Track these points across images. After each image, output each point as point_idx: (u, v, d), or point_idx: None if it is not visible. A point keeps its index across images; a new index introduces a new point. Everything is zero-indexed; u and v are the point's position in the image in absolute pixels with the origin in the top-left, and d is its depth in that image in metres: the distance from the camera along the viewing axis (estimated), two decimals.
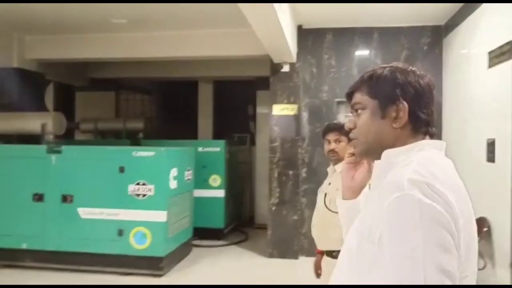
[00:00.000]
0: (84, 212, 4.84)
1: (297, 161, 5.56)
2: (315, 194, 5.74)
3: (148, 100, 9.05)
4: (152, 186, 4.72)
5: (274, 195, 5.61)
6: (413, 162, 0.99)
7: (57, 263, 4.87)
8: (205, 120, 8.77)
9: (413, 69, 1.11)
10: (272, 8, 3.30)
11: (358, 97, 1.12)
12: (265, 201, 7.61)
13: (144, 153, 4.76)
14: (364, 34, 5.48)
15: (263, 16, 3.44)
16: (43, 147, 4.99)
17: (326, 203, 2.48)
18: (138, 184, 4.74)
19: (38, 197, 4.90)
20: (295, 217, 5.55)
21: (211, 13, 5.07)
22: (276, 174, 5.59)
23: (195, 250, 5.82)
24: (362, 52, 5.50)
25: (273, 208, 5.58)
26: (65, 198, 4.86)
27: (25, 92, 6.23)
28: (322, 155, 5.46)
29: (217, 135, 8.62)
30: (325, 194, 2.50)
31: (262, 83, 7.60)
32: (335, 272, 1.10)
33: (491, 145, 3.71)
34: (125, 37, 6.07)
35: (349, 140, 2.56)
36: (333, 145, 2.50)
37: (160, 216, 4.73)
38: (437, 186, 0.92)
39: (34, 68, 6.50)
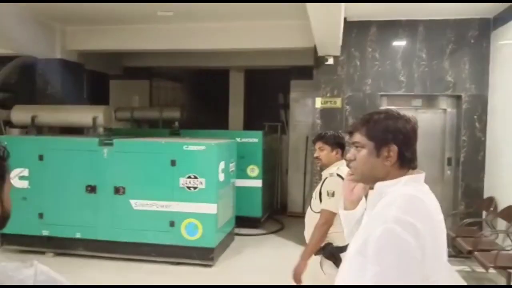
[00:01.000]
0: (136, 204, 4.96)
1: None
2: None
3: (179, 88, 9.10)
4: (203, 180, 4.82)
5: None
6: (397, 198, 1.27)
7: (109, 252, 5.03)
8: (236, 109, 8.83)
9: (402, 115, 1.37)
10: (339, 8, 3.31)
11: (358, 137, 1.37)
12: (298, 190, 7.74)
13: (195, 147, 4.84)
14: (409, 27, 5.44)
15: (328, 14, 3.45)
16: (95, 140, 5.08)
17: (312, 204, 2.78)
18: (189, 177, 4.84)
19: (91, 189, 5.03)
20: None
21: (251, 6, 5.06)
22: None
23: (236, 239, 5.95)
24: (407, 45, 5.46)
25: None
26: (117, 190, 4.98)
27: (67, 82, 6.32)
28: None
29: (247, 124, 8.69)
30: (311, 197, 2.81)
31: (297, 72, 7.66)
32: (339, 274, 1.39)
33: None
34: (165, 29, 6.09)
35: (332, 148, 2.78)
36: (316, 153, 2.82)
37: (210, 208, 4.84)
38: (411, 221, 1.20)
39: (75, 59, 6.57)
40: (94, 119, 5.49)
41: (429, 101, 5.63)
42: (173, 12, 5.40)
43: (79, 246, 5.12)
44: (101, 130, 5.55)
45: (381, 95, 5.56)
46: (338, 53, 5.45)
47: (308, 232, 2.77)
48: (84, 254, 5.09)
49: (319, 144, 2.81)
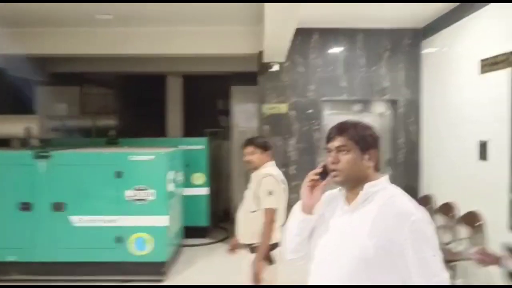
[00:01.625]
0: (78, 220, 4.62)
1: (287, 159, 5.68)
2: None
3: (113, 94, 8.66)
4: (152, 191, 4.61)
5: None
6: (395, 193, 1.48)
7: (49, 275, 4.62)
8: (174, 116, 8.60)
9: (371, 125, 1.58)
10: (296, 9, 3.31)
11: (344, 141, 1.50)
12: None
13: (142, 157, 4.62)
14: (349, 35, 5.67)
15: (284, 15, 3.46)
16: (29, 153, 4.65)
17: (247, 205, 2.96)
18: (137, 189, 4.60)
19: (25, 206, 4.59)
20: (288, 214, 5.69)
21: (194, 11, 4.95)
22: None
23: (185, 251, 5.77)
24: (347, 53, 5.69)
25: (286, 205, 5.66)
26: (56, 206, 4.59)
27: None
28: (309, 153, 5.66)
29: (187, 131, 8.50)
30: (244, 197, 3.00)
31: (238, 78, 7.63)
32: (345, 273, 1.45)
33: (482, 146, 4.07)
34: (102, 33, 5.76)
35: (262, 151, 2.97)
36: (248, 157, 2.99)
37: (161, 220, 4.65)
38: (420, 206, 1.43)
39: None
40: (27, 130, 5.02)
41: (368, 105, 5.91)
42: (113, 16, 5.12)
43: (13, 271, 4.64)
44: (35, 141, 5.09)
45: (324, 101, 5.73)
46: (283, 60, 5.53)
47: (244, 232, 2.96)
48: (19, 279, 4.62)
49: (250, 148, 3.00)
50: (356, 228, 1.45)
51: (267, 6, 3.25)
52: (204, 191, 6.51)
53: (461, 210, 4.37)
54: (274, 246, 2.88)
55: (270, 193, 2.85)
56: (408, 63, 5.66)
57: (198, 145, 6.47)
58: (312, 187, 1.56)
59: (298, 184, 5.54)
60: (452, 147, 4.70)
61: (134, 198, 4.60)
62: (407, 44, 5.66)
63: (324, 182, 1.55)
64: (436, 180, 5.22)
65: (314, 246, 1.59)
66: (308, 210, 1.57)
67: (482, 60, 4.10)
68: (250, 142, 3.05)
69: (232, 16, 5.22)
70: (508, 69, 3.68)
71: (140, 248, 4.63)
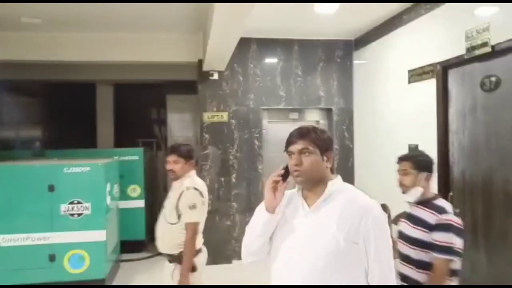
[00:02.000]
0: (4, 240, 4.22)
1: (228, 167, 5.68)
2: (245, 199, 5.91)
3: (36, 104, 8.08)
4: (88, 204, 4.37)
5: None
6: (356, 191, 1.62)
7: None
8: (105, 126, 8.22)
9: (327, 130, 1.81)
10: (246, 14, 3.33)
11: (306, 144, 1.60)
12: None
13: (77, 168, 4.36)
14: (285, 45, 5.83)
15: (233, 22, 3.47)
16: None
17: (166, 216, 2.87)
18: (72, 203, 4.33)
19: None
20: (228, 222, 5.67)
21: (127, 17, 4.81)
22: (208, 182, 5.62)
23: (123, 266, 5.51)
24: (284, 63, 5.84)
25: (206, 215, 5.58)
26: None
27: None
28: (250, 161, 5.71)
29: (118, 142, 8.17)
30: (164, 208, 2.93)
31: (173, 87, 7.52)
32: (313, 265, 1.53)
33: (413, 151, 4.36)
34: (28, 38, 5.38)
35: (186, 160, 2.96)
36: (171, 166, 2.91)
37: (99, 235, 4.41)
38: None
39: None
40: None
41: (305, 114, 6.10)
42: (41, 19, 4.80)
43: None
44: None
45: (263, 109, 5.83)
46: (223, 69, 5.54)
47: (163, 243, 2.89)
48: None
49: (173, 157, 2.90)
50: (323, 225, 1.54)
51: (216, 13, 3.24)
52: (140, 203, 6.28)
53: (394, 212, 4.64)
54: (197, 252, 2.89)
55: (192, 206, 2.79)
56: (341, 73, 5.93)
57: (133, 155, 6.24)
58: (275, 188, 1.62)
59: (239, 193, 5.67)
60: (383, 153, 4.99)
61: (69, 212, 4.31)
62: (340, 55, 5.94)
63: (285, 184, 1.62)
64: (369, 184, 5.50)
65: (276, 247, 1.64)
66: (271, 210, 1.62)
67: (410, 71, 4.42)
68: (173, 150, 2.94)
69: (169, 23, 5.14)
70: (433, 80, 4.01)
71: (76, 266, 4.35)
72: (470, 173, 3.57)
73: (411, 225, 2.30)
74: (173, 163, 2.90)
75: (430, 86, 4.06)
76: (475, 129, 3.52)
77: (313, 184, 1.61)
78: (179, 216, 2.83)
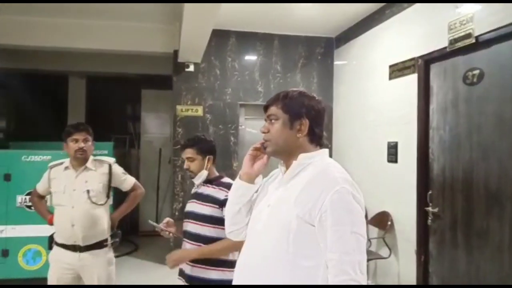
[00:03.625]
0: None
1: None
2: None
3: (2, 94, 7.70)
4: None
5: (178, 200, 5.41)
6: (330, 164, 1.44)
7: None
8: (76, 119, 7.83)
9: (314, 95, 1.55)
10: (217, 8, 3.20)
11: (274, 110, 1.49)
12: (150, 207, 7.27)
13: (37, 157, 4.08)
14: (265, 40, 5.69)
15: (204, 14, 3.31)
16: None
17: (92, 198, 2.84)
18: (30, 194, 4.03)
19: None
20: None
21: (103, 3, 4.60)
22: (180, 178, 5.40)
23: None
24: (264, 58, 5.70)
25: (177, 213, 5.36)
26: None
27: None
28: (225, 158, 5.52)
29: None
30: (88, 191, 2.84)
31: (148, 81, 7.29)
32: (259, 243, 1.43)
33: (392, 148, 4.26)
34: None
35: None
36: (82, 144, 2.86)
37: None
38: (353, 182, 1.38)
39: None
40: None
41: None
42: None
43: None
44: None
45: (241, 105, 5.66)
46: (199, 61, 5.36)
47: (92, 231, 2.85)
48: None
49: (83, 135, 2.88)
50: (283, 199, 1.43)
51: (187, 5, 3.07)
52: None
53: (373, 211, 4.51)
54: None
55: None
56: (321, 71, 5.82)
57: (102, 150, 5.93)
58: (254, 157, 1.57)
59: None
60: (364, 150, 4.88)
61: (26, 204, 4.03)
62: (321, 53, 5.83)
63: (266, 156, 1.56)
64: None
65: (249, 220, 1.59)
66: (246, 178, 1.56)
67: (391, 66, 4.32)
68: (83, 128, 2.91)
69: (145, 12, 4.94)
70: (415, 75, 3.91)
71: (31, 262, 4.07)
72: (450, 169, 3.46)
73: (201, 203, 2.38)
74: (83, 141, 2.87)
75: (411, 81, 3.96)
76: (456, 124, 3.41)
77: (285, 156, 1.50)
78: None
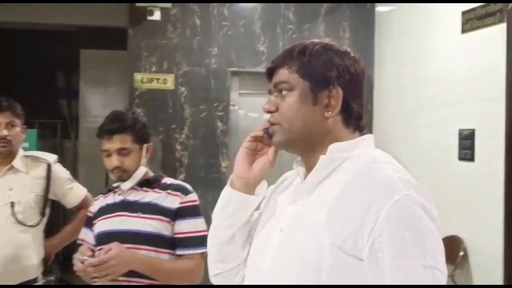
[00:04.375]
0: None
1: (173, 162, 5.52)
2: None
3: None
4: None
5: None
6: (379, 159, 1.33)
7: None
8: None
9: (348, 50, 1.42)
10: None
11: (285, 74, 1.39)
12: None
13: None
14: None
15: None
16: None
17: (18, 215, 2.79)
18: None
19: None
20: None
21: None
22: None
23: None
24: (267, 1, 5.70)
25: None
26: None
27: None
28: (209, 154, 5.54)
29: None
30: (12, 204, 2.80)
31: (91, 38, 7.27)
32: None
33: (467, 138, 4.25)
34: None
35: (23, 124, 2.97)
36: (4, 131, 2.82)
37: None
38: (419, 185, 1.27)
39: None
40: None
41: None
42: None
43: None
44: None
45: (232, 73, 5.69)
46: (168, 4, 5.41)
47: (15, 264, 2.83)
48: None
49: (6, 118, 2.88)
50: (307, 218, 1.35)
51: None
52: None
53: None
54: None
55: None
56: (356, 20, 5.84)
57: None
58: (252, 151, 1.51)
59: None
60: (421, 141, 4.91)
61: None
62: None
63: (272, 149, 1.49)
64: None
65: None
66: (241, 186, 1.48)
67: (465, 13, 4.33)
68: (8, 107, 2.92)
69: None
70: (502, 25, 3.88)
71: None
72: None
73: (140, 215, 2.37)
74: (5, 127, 2.86)
75: (496, 35, 3.95)
76: None
77: (305, 149, 1.41)
78: None
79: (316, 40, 1.43)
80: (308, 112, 1.36)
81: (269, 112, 1.41)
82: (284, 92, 1.39)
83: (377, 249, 1.19)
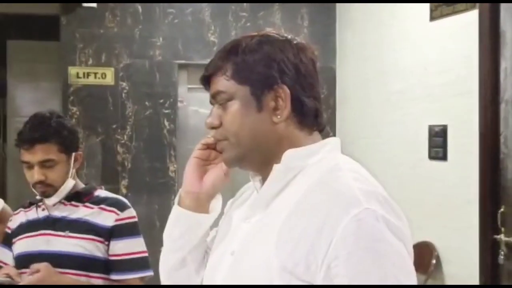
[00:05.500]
0: None
1: (114, 167, 5.46)
2: (145, 226, 5.66)
3: None
4: None
5: None
6: (341, 166, 1.29)
7: None
8: None
9: (289, 37, 1.38)
10: None
11: (221, 82, 1.35)
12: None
13: None
14: None
15: None
16: None
17: None
18: None
19: None
20: None
21: None
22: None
23: None
24: None
25: None
26: None
27: None
28: (154, 157, 5.55)
29: None
30: None
31: (19, 26, 7.17)
32: None
33: (438, 135, 4.27)
34: None
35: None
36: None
37: None
38: (386, 196, 1.24)
39: None
40: None
41: None
42: None
43: None
44: None
45: (180, 66, 5.66)
46: None
47: None
48: None
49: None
50: (260, 237, 1.32)
51: None
52: None
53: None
54: None
55: None
56: (316, 7, 5.84)
57: None
58: (203, 162, 1.49)
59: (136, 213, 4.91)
60: (388, 139, 4.92)
61: None
62: None
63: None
64: None
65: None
66: (191, 202, 1.46)
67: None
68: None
69: None
70: (474, 12, 3.91)
71: None
72: None
73: (68, 234, 2.33)
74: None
75: (468, 23, 3.98)
76: None
77: (258, 161, 1.38)
78: None
79: (251, 34, 1.39)
80: (254, 121, 1.33)
81: (212, 128, 1.39)
82: (223, 104, 1.35)
83: (333, 274, 1.14)
